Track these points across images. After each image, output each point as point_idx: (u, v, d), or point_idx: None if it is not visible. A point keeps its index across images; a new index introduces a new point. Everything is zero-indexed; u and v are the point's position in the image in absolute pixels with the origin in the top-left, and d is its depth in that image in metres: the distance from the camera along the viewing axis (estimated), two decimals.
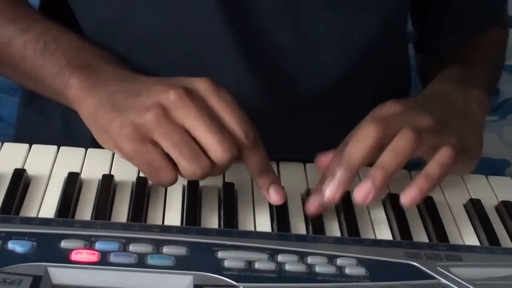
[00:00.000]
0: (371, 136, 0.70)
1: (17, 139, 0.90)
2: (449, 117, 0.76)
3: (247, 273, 0.64)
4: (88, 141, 0.80)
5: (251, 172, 0.72)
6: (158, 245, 0.65)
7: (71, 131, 0.88)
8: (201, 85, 0.70)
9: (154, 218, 0.72)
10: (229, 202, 0.75)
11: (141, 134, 0.68)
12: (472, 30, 0.97)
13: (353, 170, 0.70)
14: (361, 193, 0.69)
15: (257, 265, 0.65)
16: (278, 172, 0.81)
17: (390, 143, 0.70)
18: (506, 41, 1.03)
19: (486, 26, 0.99)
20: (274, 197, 0.72)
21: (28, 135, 0.82)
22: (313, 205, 0.72)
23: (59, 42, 0.78)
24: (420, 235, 0.75)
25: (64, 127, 0.89)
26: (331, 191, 0.70)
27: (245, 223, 0.73)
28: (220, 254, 0.65)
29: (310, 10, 0.81)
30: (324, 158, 0.75)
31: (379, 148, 0.70)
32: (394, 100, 0.76)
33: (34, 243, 0.64)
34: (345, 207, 0.76)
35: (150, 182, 0.76)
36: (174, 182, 0.70)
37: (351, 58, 0.85)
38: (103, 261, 0.63)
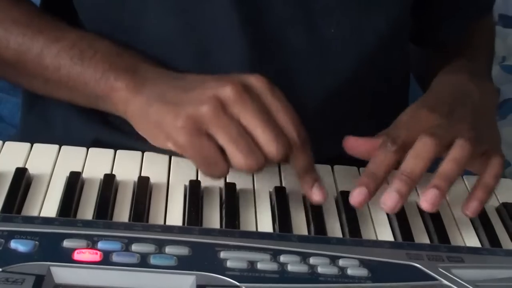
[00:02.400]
0: (430, 152, 0.73)
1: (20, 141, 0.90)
2: (478, 119, 0.80)
3: (250, 274, 0.64)
4: (89, 145, 0.81)
5: (298, 171, 0.72)
6: (160, 245, 0.65)
7: (72, 136, 0.88)
8: (257, 82, 0.71)
9: (156, 218, 0.72)
10: (230, 202, 0.75)
11: (197, 126, 0.68)
12: (471, 17, 0.98)
13: (413, 184, 0.73)
14: (429, 200, 0.72)
15: (259, 266, 0.65)
16: (280, 173, 0.81)
17: (450, 154, 0.74)
18: (494, 26, 1.07)
19: (484, 12, 1.00)
20: (317, 196, 0.73)
21: (30, 140, 0.82)
22: (356, 198, 0.73)
23: (96, 48, 0.78)
24: (421, 236, 0.75)
25: (65, 132, 0.89)
26: (391, 203, 0.72)
27: (247, 224, 0.73)
28: (222, 254, 0.65)
29: (322, 10, 0.82)
30: (355, 142, 0.76)
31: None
32: (426, 105, 0.79)
33: (36, 242, 0.64)
34: (346, 208, 0.76)
35: (152, 180, 0.76)
36: (226, 175, 0.71)
37: (361, 57, 0.85)
38: (106, 260, 0.63)
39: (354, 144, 0.76)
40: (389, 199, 0.72)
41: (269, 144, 0.69)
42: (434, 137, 0.74)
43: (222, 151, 0.69)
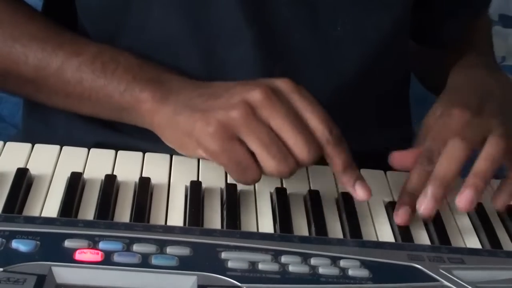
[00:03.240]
0: (462, 155, 0.74)
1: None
2: (504, 113, 0.81)
3: (251, 274, 0.64)
4: (90, 147, 0.81)
5: (336, 169, 0.72)
6: (161, 245, 0.65)
7: (74, 138, 0.88)
8: (284, 84, 0.71)
9: (157, 218, 0.72)
10: (231, 203, 0.75)
11: (228, 131, 0.69)
12: (472, 14, 0.99)
13: (446, 187, 0.74)
14: (465, 201, 0.73)
15: (260, 266, 0.65)
16: None
17: (483, 152, 0.75)
18: (491, 22, 1.08)
19: (484, 8, 1.01)
20: (361, 193, 0.73)
21: (32, 141, 0.82)
22: (403, 217, 0.74)
23: (118, 61, 0.78)
24: (422, 237, 0.75)
25: (67, 134, 0.89)
26: (427, 207, 0.73)
27: (248, 224, 0.73)
28: (223, 255, 0.65)
29: (326, 9, 0.82)
30: (400, 156, 0.78)
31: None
32: (456, 104, 0.80)
33: (37, 242, 0.64)
34: (348, 209, 0.76)
35: (153, 181, 0.76)
36: (259, 180, 0.71)
37: (365, 56, 0.85)
38: (107, 261, 0.63)
39: (398, 159, 0.78)
40: (424, 204, 0.73)
41: (300, 148, 0.69)
42: (464, 140, 0.75)
43: (253, 156, 0.69)
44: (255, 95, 0.69)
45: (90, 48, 0.79)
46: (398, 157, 0.78)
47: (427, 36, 1.00)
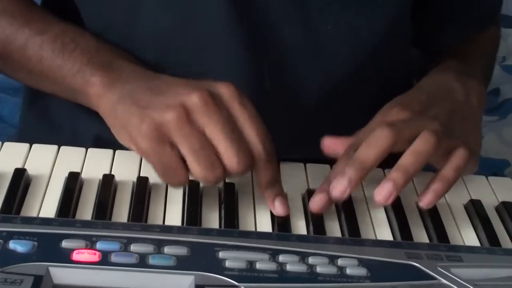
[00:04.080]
0: (385, 142, 0.72)
1: (19, 140, 0.90)
2: (455, 117, 0.79)
3: (248, 273, 0.64)
4: (90, 143, 0.81)
5: (260, 183, 0.73)
6: (159, 245, 0.65)
7: (75, 133, 0.88)
8: (226, 91, 0.70)
9: (155, 218, 0.72)
10: (229, 202, 0.75)
11: (160, 133, 0.68)
12: (472, 27, 0.98)
13: (363, 171, 0.71)
14: (383, 194, 0.71)
15: (258, 265, 0.65)
16: None
17: (411, 146, 0.72)
18: (499, 39, 1.05)
19: (486, 23, 1.00)
20: (279, 209, 0.73)
21: (31, 138, 0.82)
22: (317, 203, 0.73)
23: (78, 42, 0.79)
24: (420, 236, 0.75)
25: (66, 129, 0.89)
26: (340, 189, 0.71)
27: (246, 223, 0.73)
28: (221, 254, 0.65)
29: (318, 6, 0.82)
30: (331, 142, 0.76)
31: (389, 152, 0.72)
32: (399, 102, 0.78)
33: (35, 243, 0.64)
34: (346, 207, 0.76)
35: (151, 181, 0.76)
36: (185, 184, 0.71)
37: (357, 56, 0.85)
38: (105, 261, 0.63)
39: (331, 145, 0.76)
40: (338, 183, 0.71)
41: (230, 157, 0.68)
42: (390, 127, 0.72)
43: (183, 159, 0.69)
44: (193, 99, 0.69)
45: (54, 27, 0.80)
46: (329, 143, 0.76)
47: (424, 42, 0.99)
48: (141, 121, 0.69)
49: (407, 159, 0.72)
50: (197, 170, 0.69)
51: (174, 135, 0.68)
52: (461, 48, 0.97)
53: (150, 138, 0.68)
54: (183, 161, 0.69)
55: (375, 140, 0.72)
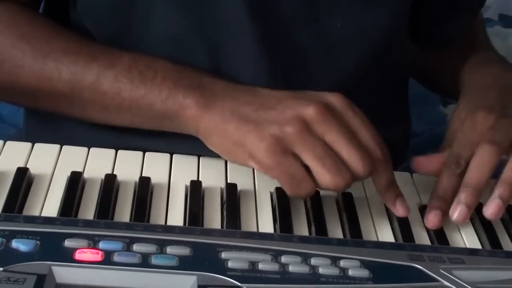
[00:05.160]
0: (492, 161, 0.76)
1: (22, 140, 0.89)
2: None
3: (251, 274, 0.64)
4: (92, 144, 0.81)
5: (380, 186, 0.74)
6: (162, 245, 0.65)
7: (76, 133, 0.88)
8: (337, 100, 0.72)
9: (157, 218, 0.72)
10: (232, 202, 0.75)
11: (283, 146, 0.69)
12: (471, 13, 0.99)
13: (478, 194, 0.75)
14: (493, 212, 0.74)
15: (260, 266, 0.65)
16: None
17: (510, 159, 0.76)
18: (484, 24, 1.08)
19: (479, 6, 1.01)
20: (401, 211, 0.75)
21: (34, 138, 0.82)
22: (434, 221, 0.75)
23: (155, 68, 0.77)
24: (422, 238, 0.75)
25: (69, 130, 0.89)
26: (460, 215, 0.74)
27: (248, 224, 0.73)
28: (223, 255, 0.65)
29: (326, 5, 0.82)
30: (424, 161, 0.79)
31: None
32: (480, 106, 0.81)
33: (37, 242, 0.64)
34: (347, 209, 0.76)
35: (153, 181, 0.76)
36: (313, 193, 0.71)
37: (365, 53, 0.85)
38: (107, 260, 0.63)
39: (423, 164, 0.79)
40: (458, 212, 0.74)
41: (355, 163, 0.70)
42: (494, 145, 0.76)
43: (307, 170, 0.70)
44: (310, 111, 0.70)
45: (123, 58, 0.78)
46: (422, 162, 0.79)
47: (426, 36, 1.00)
48: (261, 138, 0.70)
49: (508, 173, 0.75)
50: (326, 177, 0.69)
51: (297, 146, 0.69)
52: (469, 37, 0.99)
53: (272, 153, 0.69)
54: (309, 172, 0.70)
55: (483, 162, 0.75)
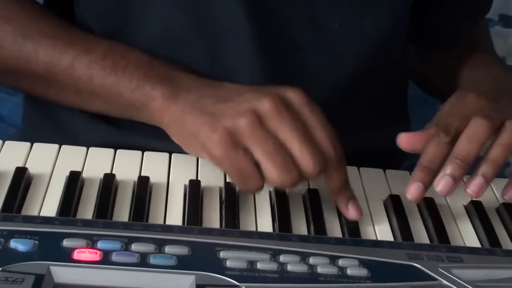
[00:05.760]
0: (483, 134, 0.72)
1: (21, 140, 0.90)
2: None
3: (249, 273, 0.64)
4: (91, 143, 0.81)
5: (331, 188, 0.73)
6: (160, 244, 0.65)
7: (77, 133, 0.88)
8: (295, 96, 0.71)
9: (156, 217, 0.72)
10: (230, 202, 0.75)
11: (234, 139, 0.69)
12: (472, 19, 0.99)
13: (466, 167, 0.72)
14: (475, 189, 0.72)
15: (259, 265, 0.65)
16: None
17: (498, 139, 0.73)
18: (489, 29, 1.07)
19: (483, 14, 1.01)
20: (353, 213, 0.73)
21: (33, 137, 0.82)
22: (414, 193, 0.73)
23: (128, 58, 0.78)
24: (421, 236, 0.75)
25: (69, 130, 0.89)
26: (445, 187, 0.72)
27: (247, 223, 0.73)
28: (222, 254, 0.65)
29: (325, 5, 0.82)
30: (409, 138, 0.75)
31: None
32: (472, 92, 0.78)
33: (36, 241, 0.64)
34: None
35: (152, 180, 0.76)
36: (261, 189, 0.71)
37: (364, 53, 0.85)
38: (106, 260, 0.63)
39: (409, 140, 0.75)
40: (443, 183, 0.72)
41: (306, 160, 0.69)
42: (487, 119, 0.73)
43: (258, 165, 0.69)
44: (265, 105, 0.69)
45: (100, 45, 0.80)
46: (408, 138, 0.76)
47: (426, 39, 1.00)
48: (213, 129, 0.69)
49: (496, 152, 0.73)
50: (274, 174, 0.69)
51: (248, 140, 0.69)
52: (470, 41, 0.98)
53: (223, 145, 0.69)
54: (258, 167, 0.69)
55: (474, 134, 0.73)
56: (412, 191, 0.73)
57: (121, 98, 0.78)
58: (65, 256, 0.63)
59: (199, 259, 0.65)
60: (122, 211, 0.72)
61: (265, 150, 0.69)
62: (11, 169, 0.75)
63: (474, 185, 0.72)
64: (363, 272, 0.66)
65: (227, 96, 0.73)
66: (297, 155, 0.69)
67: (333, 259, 0.67)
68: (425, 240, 0.74)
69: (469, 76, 0.88)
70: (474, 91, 0.79)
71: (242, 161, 0.69)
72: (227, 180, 0.77)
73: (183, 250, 0.65)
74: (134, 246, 0.65)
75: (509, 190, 0.75)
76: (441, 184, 0.72)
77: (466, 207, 0.80)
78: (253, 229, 0.73)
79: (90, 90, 0.79)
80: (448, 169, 0.72)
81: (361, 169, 0.82)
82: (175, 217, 0.72)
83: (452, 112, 0.76)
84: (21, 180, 0.73)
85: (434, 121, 0.77)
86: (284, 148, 0.69)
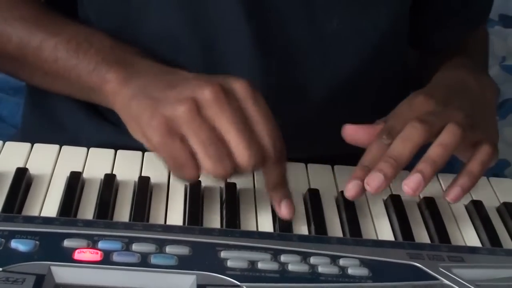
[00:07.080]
0: (418, 137, 0.72)
1: (21, 140, 0.90)
2: (476, 110, 0.79)
3: (250, 273, 0.64)
4: (92, 143, 0.81)
5: (268, 184, 0.72)
6: (161, 244, 0.65)
7: (77, 133, 0.88)
8: (239, 87, 0.70)
9: (156, 217, 0.72)
10: (231, 202, 0.75)
11: (170, 127, 0.68)
12: (468, 25, 0.99)
13: (399, 167, 0.72)
14: (411, 186, 0.71)
15: (260, 265, 0.65)
16: None
17: (438, 138, 0.73)
18: (488, 37, 1.07)
19: (480, 22, 1.01)
20: (285, 212, 0.72)
21: (33, 138, 0.82)
22: (351, 191, 0.72)
23: (92, 42, 0.79)
24: (421, 236, 0.75)
25: (69, 130, 0.89)
26: (376, 184, 0.71)
27: (247, 223, 0.73)
28: (223, 254, 0.65)
29: (323, 5, 0.82)
30: (353, 130, 0.75)
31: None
32: (423, 92, 0.79)
33: (37, 242, 0.64)
34: (347, 207, 0.76)
35: (153, 180, 0.76)
36: (196, 179, 0.70)
37: (362, 54, 0.85)
38: (106, 260, 0.63)
39: (353, 132, 0.75)
40: (373, 179, 0.71)
41: (240, 153, 0.68)
42: (423, 123, 0.73)
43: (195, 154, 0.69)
44: (205, 93, 0.68)
45: (68, 28, 0.81)
46: (351, 130, 0.75)
47: (422, 41, 1.00)
48: (152, 115, 0.69)
49: (434, 151, 0.73)
50: (207, 164, 0.68)
51: (184, 128, 0.68)
52: (461, 45, 0.98)
53: (160, 133, 0.68)
54: (196, 157, 0.69)
55: (408, 136, 0.72)
56: (349, 189, 0.72)
57: (80, 80, 0.78)
58: (66, 256, 0.63)
59: (200, 259, 0.65)
60: (123, 211, 0.72)
61: (200, 139, 0.67)
62: (11, 169, 0.75)
63: (410, 181, 0.71)
64: (364, 271, 0.66)
65: (173, 82, 0.72)
66: (232, 146, 0.68)
67: (334, 259, 0.67)
68: (426, 239, 0.74)
69: (435, 78, 0.88)
70: (426, 93, 0.79)
71: (178, 149, 0.68)
72: (228, 180, 0.77)
73: (184, 250, 0.65)
74: (135, 246, 0.65)
75: (451, 191, 0.74)
76: (371, 181, 0.71)
77: (466, 207, 0.80)
78: (254, 229, 0.73)
79: (55, 71, 0.80)
80: (379, 166, 0.71)
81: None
82: (176, 217, 0.72)
83: (399, 114, 0.77)
84: (22, 181, 0.73)
85: (382, 119, 0.77)
86: (220, 138, 0.68)
